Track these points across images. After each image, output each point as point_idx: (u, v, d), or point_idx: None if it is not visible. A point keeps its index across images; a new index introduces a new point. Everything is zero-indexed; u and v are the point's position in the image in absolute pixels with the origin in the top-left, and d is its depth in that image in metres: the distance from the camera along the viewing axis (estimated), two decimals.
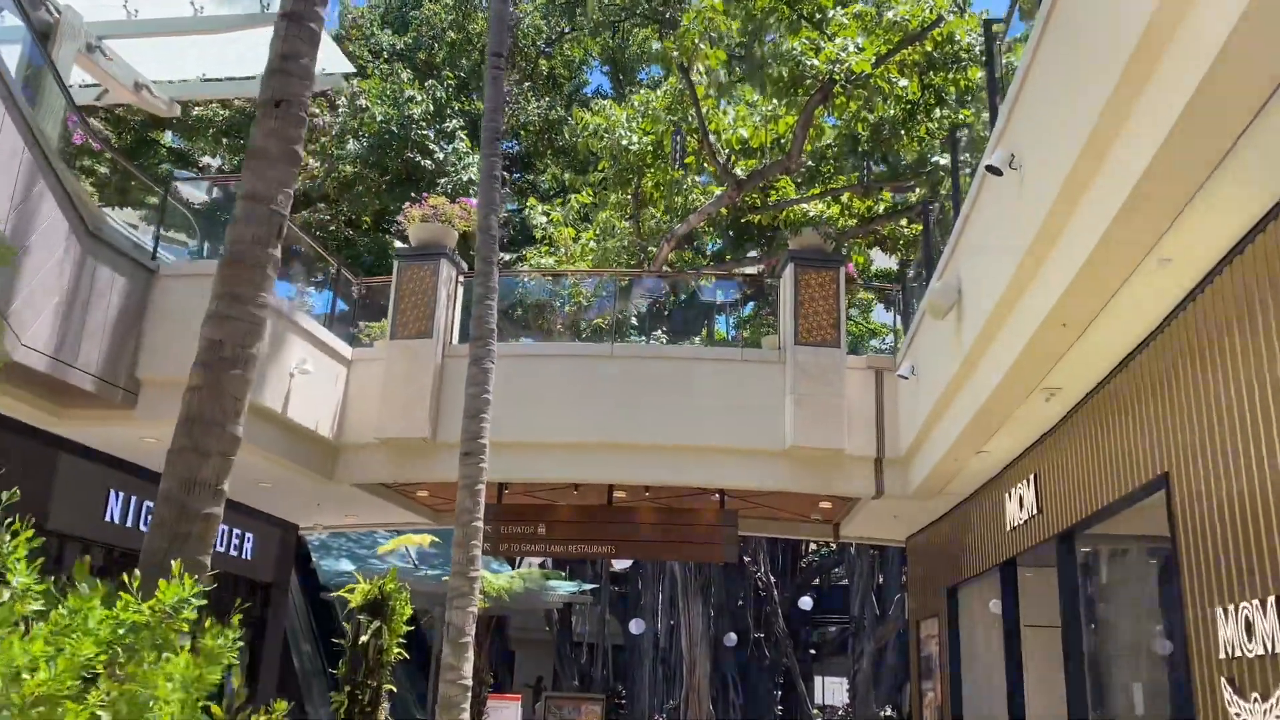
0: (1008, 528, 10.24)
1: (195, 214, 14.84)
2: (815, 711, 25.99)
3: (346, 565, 23.32)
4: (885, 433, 11.90)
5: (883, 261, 18.64)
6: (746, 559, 28.15)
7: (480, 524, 9.43)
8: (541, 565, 25.56)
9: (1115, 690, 9.15)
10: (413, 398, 11.80)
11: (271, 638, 15.39)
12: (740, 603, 28.30)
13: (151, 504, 6.94)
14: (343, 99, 20.20)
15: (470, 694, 10.36)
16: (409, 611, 6.50)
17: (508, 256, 18.43)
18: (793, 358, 11.81)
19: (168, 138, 22.88)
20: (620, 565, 37.37)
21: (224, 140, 21.44)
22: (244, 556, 14.36)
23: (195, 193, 17.64)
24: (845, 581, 35.96)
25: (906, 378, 10.77)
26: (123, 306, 9.76)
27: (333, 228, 21.66)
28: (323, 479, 12.32)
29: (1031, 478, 9.40)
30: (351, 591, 8.74)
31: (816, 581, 34.39)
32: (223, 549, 13.65)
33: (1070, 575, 8.80)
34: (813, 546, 34.96)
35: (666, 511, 12.91)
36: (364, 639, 6.19)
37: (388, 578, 6.29)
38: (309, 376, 11.52)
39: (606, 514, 12.65)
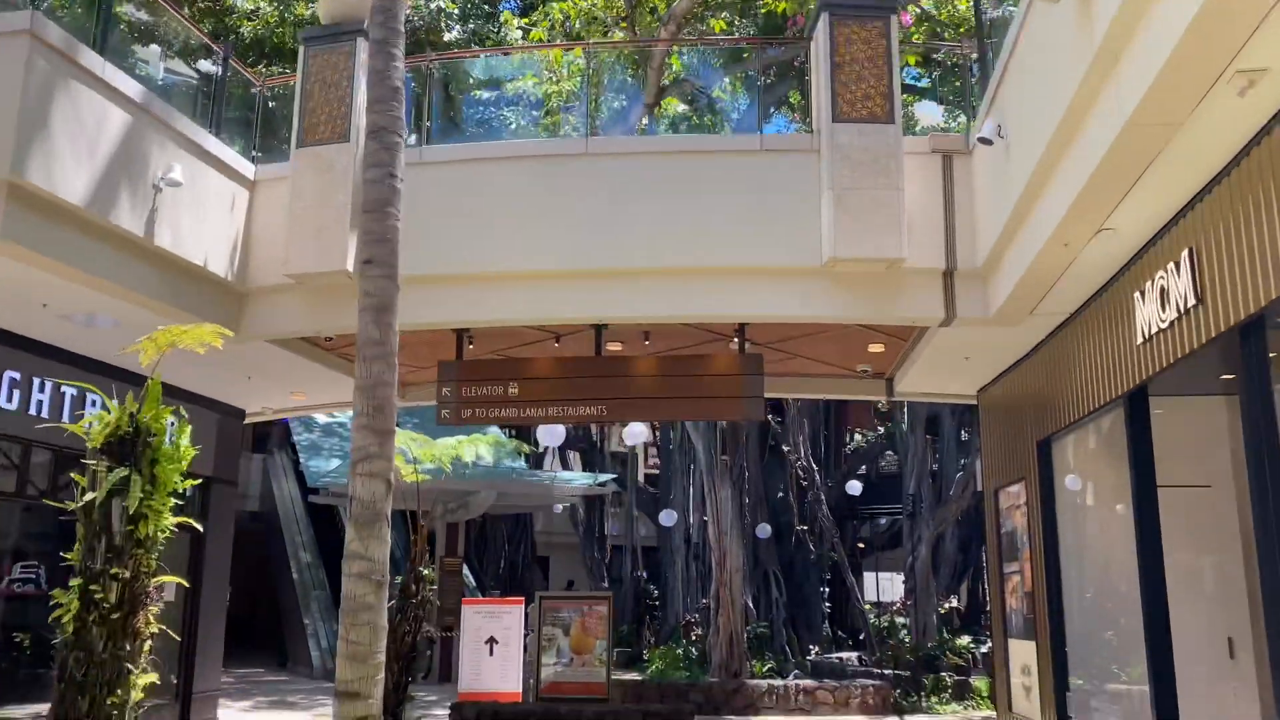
0: (1138, 340, 7.29)
1: None
2: (868, 607, 23.51)
3: (337, 463, 20.90)
4: (957, 236, 8.91)
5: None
6: (786, 448, 25.48)
7: (393, 360, 6.71)
8: (513, 434, 22.86)
9: None
10: (328, 221, 8.99)
11: (216, 542, 12.96)
12: (781, 494, 25.71)
13: None
14: None
15: (420, 605, 7.95)
16: (188, 454, 3.79)
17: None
18: (830, 141, 8.79)
19: None
20: (648, 460, 35.02)
21: None
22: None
23: None
24: (895, 469, 33.31)
25: (990, 141, 7.71)
26: None
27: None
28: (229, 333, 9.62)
29: (1186, 255, 6.40)
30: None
31: (863, 470, 31.72)
32: None
33: (1258, 390, 5.85)
34: (858, 434, 32.23)
35: (672, 361, 10.08)
36: (95, 496, 3.55)
37: (147, 396, 3.62)
38: (188, 196, 8.73)
39: (595, 367, 9.85)
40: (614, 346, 10.58)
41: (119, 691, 3.58)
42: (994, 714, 14.58)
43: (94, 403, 9.44)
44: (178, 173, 8.28)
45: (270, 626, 26.94)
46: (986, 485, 11.92)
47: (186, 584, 4.82)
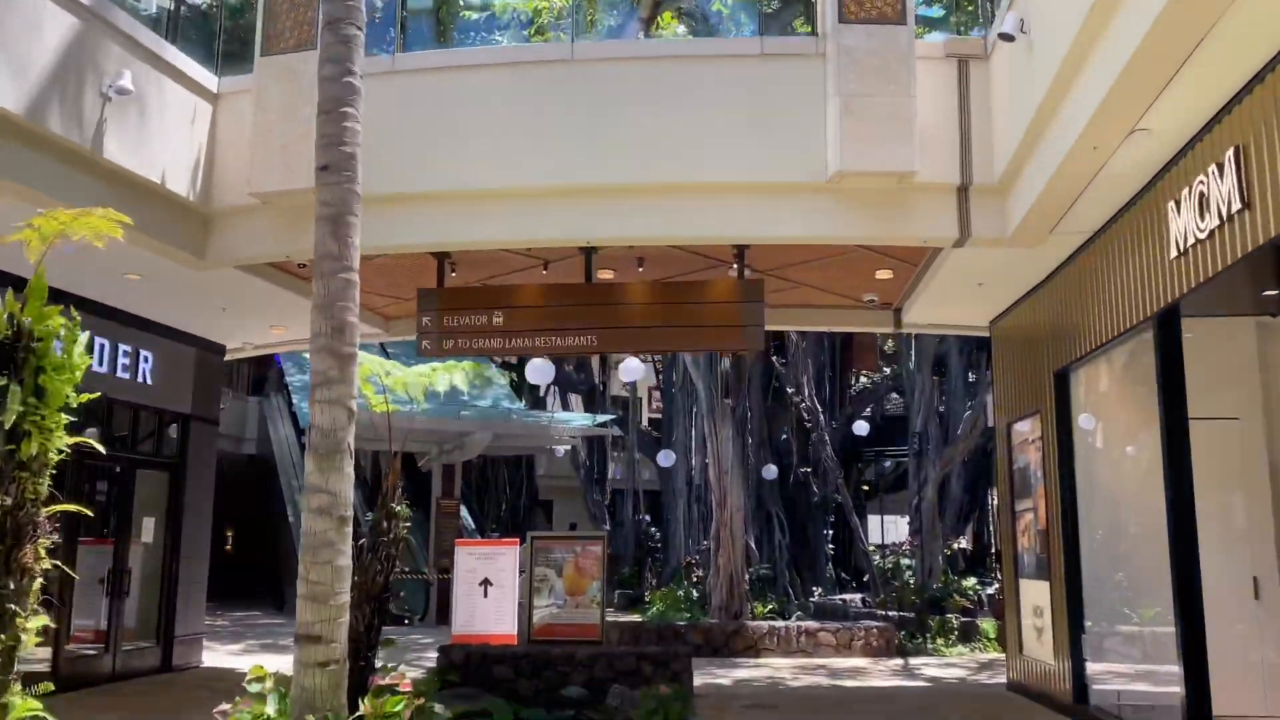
0: (1172, 253, 6.66)
1: None
2: (872, 549, 23.17)
3: None
4: (973, 149, 8.22)
5: None
6: (790, 390, 24.97)
7: (353, 276, 6.12)
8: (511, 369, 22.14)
9: None
10: (293, 137, 8.30)
11: (197, 481, 12.51)
12: (785, 436, 25.27)
13: None
14: None
15: (392, 545, 7.37)
16: (82, 364, 3.22)
17: None
18: (837, 44, 8.07)
19: None
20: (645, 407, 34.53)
21: None
22: (140, 380, 11.32)
23: None
24: (902, 411, 32.83)
25: (1012, 37, 7.01)
26: None
27: None
28: (193, 259, 9.04)
29: (1230, 156, 5.75)
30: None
31: (869, 412, 31.23)
32: (103, 368, 10.59)
33: None
34: (864, 376, 31.70)
35: (667, 288, 9.48)
36: None
37: (30, 295, 3.05)
38: (142, 107, 8.08)
39: (585, 295, 9.25)
40: (605, 274, 9.98)
41: (2, 635, 3.06)
42: (1002, 656, 14.21)
43: None
44: (127, 80, 7.62)
45: (269, 570, 26.75)
46: (998, 420, 11.38)
47: (89, 513, 4.25)
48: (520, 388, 32.15)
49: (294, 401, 21.31)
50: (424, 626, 18.89)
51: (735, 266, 9.27)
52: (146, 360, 11.42)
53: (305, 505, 5.91)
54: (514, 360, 29.61)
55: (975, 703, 10.12)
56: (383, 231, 8.31)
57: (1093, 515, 9.02)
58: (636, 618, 19.56)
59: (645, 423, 36.13)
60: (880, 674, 12.44)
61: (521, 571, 11.92)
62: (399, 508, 6.94)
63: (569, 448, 29.59)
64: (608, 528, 28.41)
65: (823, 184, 8.20)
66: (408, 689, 6.70)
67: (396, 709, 6.11)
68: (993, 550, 31.87)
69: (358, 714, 5.74)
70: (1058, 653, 9.34)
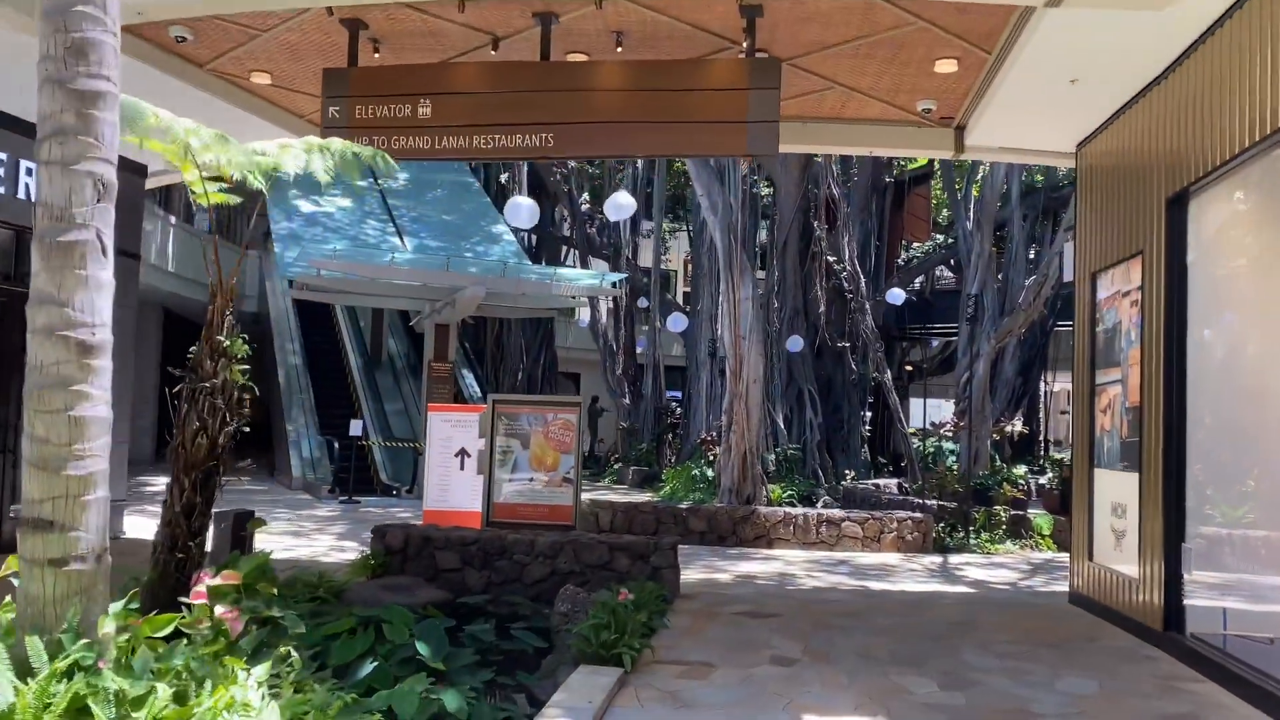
0: None
1: None
2: (911, 432, 21.07)
3: (327, 244, 18.06)
4: None
5: None
6: (831, 259, 22.52)
7: None
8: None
9: None
10: None
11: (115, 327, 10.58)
12: (822, 309, 22.96)
13: None
14: None
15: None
16: None
17: None
18: None
19: None
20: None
21: None
22: (24, 198, 9.31)
23: None
24: (952, 285, 30.19)
25: None
26: None
27: None
28: (24, 17, 6.84)
29: None
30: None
31: (916, 285, 28.71)
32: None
33: None
34: (914, 246, 28.97)
35: (651, 70, 7.09)
36: None
37: None
38: None
39: (541, 77, 6.94)
40: (576, 57, 7.61)
41: None
42: (1058, 557, 12.17)
43: None
44: None
45: (266, 434, 25.43)
46: (1080, 272, 8.99)
47: None
48: (535, 250, 29.98)
49: (276, 251, 19.35)
50: (412, 500, 17.29)
51: (744, 45, 6.87)
52: (30, 174, 9.39)
53: (30, 323, 3.86)
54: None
55: (1029, 619, 8.10)
56: None
57: (1206, 390, 6.75)
58: (648, 497, 17.83)
59: (682, 297, 33.95)
60: (912, 574, 10.47)
61: (481, 438, 10.00)
62: (230, 342, 4.88)
63: (590, 318, 27.59)
64: (628, 402, 26.60)
65: None
66: (233, 580, 4.75)
67: (164, 631, 4.15)
68: (1041, 438, 29.70)
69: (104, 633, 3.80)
70: (1144, 564, 7.22)
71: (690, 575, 9.57)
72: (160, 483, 18.42)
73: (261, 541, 11.42)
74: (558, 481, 9.24)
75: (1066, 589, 9.15)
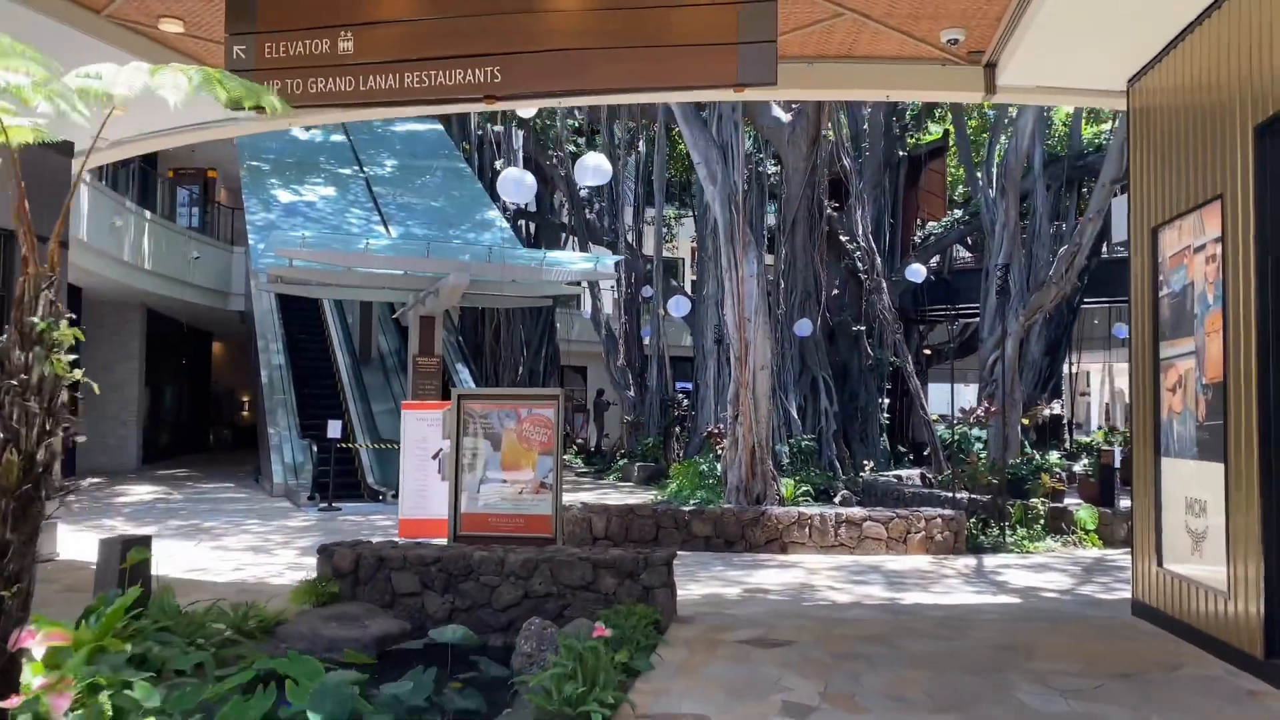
0: None
1: None
2: (934, 418, 19.76)
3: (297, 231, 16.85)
4: None
5: None
6: (844, 238, 21.21)
7: None
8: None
9: None
10: None
11: None
12: (836, 291, 21.66)
13: None
14: None
15: None
16: None
17: None
18: None
19: None
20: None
21: None
22: None
23: None
24: (970, 264, 28.79)
25: None
26: None
27: None
28: None
29: None
30: None
31: (934, 265, 27.33)
32: None
33: None
34: (930, 224, 27.59)
35: None
36: None
37: None
38: None
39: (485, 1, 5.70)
40: None
41: None
42: (1107, 553, 10.90)
43: None
44: None
45: (252, 438, 24.34)
46: (1136, 229, 7.69)
47: None
48: (530, 234, 28.66)
49: (251, 243, 18.17)
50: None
51: None
52: None
53: None
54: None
55: (1090, 638, 6.83)
56: None
57: None
58: (653, 495, 16.60)
59: (690, 287, 32.67)
60: (948, 580, 9.21)
61: (443, 447, 8.79)
62: (43, 325, 3.66)
63: (593, 307, 26.39)
64: (633, 394, 25.39)
65: None
66: (60, 641, 3.55)
67: None
68: (1066, 422, 28.27)
69: None
70: (1234, 572, 5.95)
71: (691, 591, 8.34)
72: (142, 491, 17.30)
73: (212, 559, 10.29)
74: (535, 487, 8.02)
75: (1127, 597, 7.88)
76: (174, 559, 10.04)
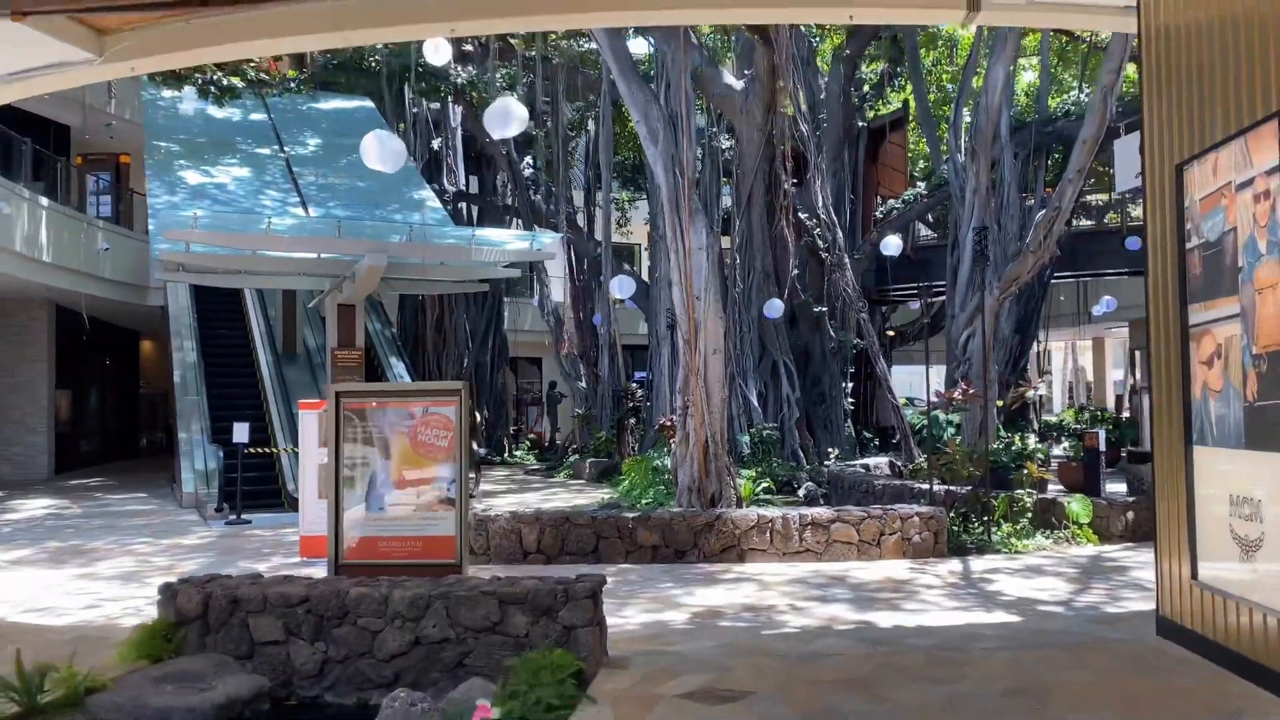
0: None
1: None
2: (903, 401, 18.55)
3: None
4: None
5: None
6: (803, 214, 19.87)
7: None
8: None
9: None
10: None
11: None
12: (795, 270, 20.33)
13: None
14: None
15: None
16: None
17: None
18: None
19: None
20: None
21: None
22: None
23: None
24: (935, 241, 27.61)
25: None
26: None
27: None
28: None
29: None
30: None
31: (898, 240, 26.07)
32: None
33: None
34: (891, 200, 26.34)
35: None
36: None
37: None
38: None
39: None
40: None
41: None
42: (1106, 551, 9.67)
43: None
44: None
45: (170, 446, 22.58)
46: (1153, 169, 6.37)
47: None
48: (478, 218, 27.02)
49: (150, 228, 16.41)
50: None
51: None
52: None
53: None
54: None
55: (1120, 673, 5.53)
56: None
57: None
58: (603, 496, 15.20)
59: (646, 274, 31.19)
60: (931, 593, 7.90)
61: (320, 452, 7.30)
62: None
63: (540, 294, 24.90)
64: (584, 385, 23.96)
65: None
66: None
67: None
68: (1033, 401, 27.19)
69: None
70: None
71: (629, 619, 6.96)
72: (36, 506, 15.55)
73: (68, 592, 8.59)
74: (434, 503, 6.55)
75: (1144, 608, 6.61)
76: (20, 591, 8.48)
